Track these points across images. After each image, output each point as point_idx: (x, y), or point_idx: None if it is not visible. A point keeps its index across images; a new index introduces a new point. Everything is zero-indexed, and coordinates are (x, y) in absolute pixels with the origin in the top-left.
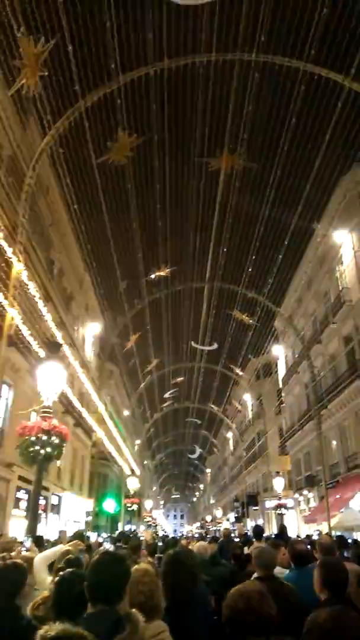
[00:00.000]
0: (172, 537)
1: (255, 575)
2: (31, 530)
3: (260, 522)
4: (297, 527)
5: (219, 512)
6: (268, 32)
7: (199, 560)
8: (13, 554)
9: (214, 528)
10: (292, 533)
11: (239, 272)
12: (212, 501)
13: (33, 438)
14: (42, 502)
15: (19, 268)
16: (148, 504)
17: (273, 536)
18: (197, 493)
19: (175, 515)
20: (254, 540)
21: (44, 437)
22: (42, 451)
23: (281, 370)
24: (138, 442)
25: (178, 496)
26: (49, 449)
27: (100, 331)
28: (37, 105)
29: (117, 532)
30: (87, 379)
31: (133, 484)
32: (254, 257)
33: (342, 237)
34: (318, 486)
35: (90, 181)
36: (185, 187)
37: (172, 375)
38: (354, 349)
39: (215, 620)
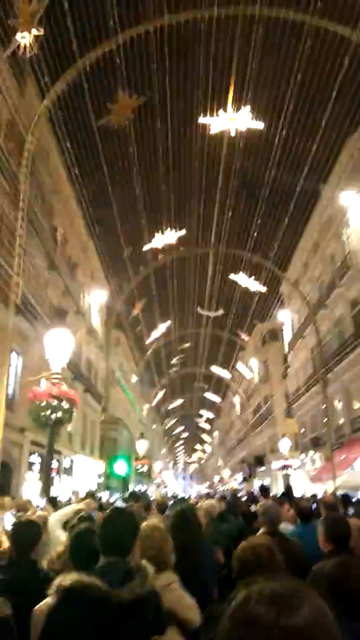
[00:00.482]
0: (181, 497)
1: (261, 530)
2: (45, 491)
3: (267, 482)
4: (303, 487)
5: (226, 473)
6: None
7: (208, 517)
8: (28, 513)
9: (222, 488)
10: (298, 493)
11: (244, 237)
12: (220, 463)
13: (44, 403)
14: (54, 465)
15: (22, 235)
16: (158, 465)
17: (279, 495)
18: (205, 455)
19: (184, 477)
20: (260, 498)
21: (54, 402)
22: (53, 415)
23: (287, 335)
24: (147, 406)
25: (187, 458)
26: (59, 414)
27: (106, 298)
28: (34, 67)
29: (127, 493)
30: (94, 345)
31: (142, 447)
32: (259, 222)
33: (349, 199)
34: (324, 447)
35: (91, 145)
36: (188, 149)
37: (178, 342)
38: None
39: (224, 573)
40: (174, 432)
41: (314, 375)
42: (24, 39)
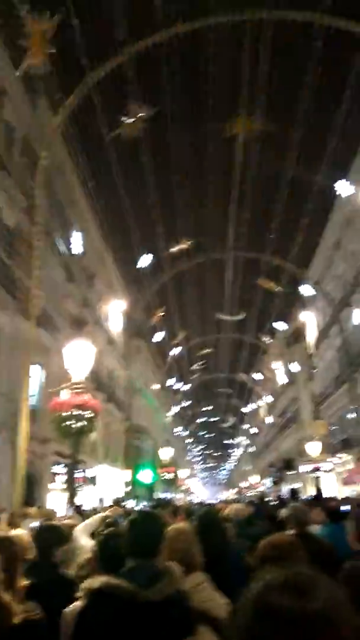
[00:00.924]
0: (208, 503)
1: (289, 532)
2: (71, 501)
3: (297, 486)
4: (336, 490)
5: (255, 478)
6: None
7: (235, 520)
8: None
9: (250, 493)
10: (330, 496)
11: (262, 239)
12: (248, 467)
13: (66, 413)
14: (79, 474)
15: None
16: (184, 472)
17: (310, 498)
18: (232, 460)
19: (212, 483)
20: (291, 501)
21: (77, 412)
22: (75, 425)
23: (311, 336)
24: (170, 414)
25: (214, 464)
26: (82, 423)
27: (125, 307)
28: (46, 84)
29: (154, 501)
30: (114, 355)
31: (166, 454)
32: (278, 222)
33: None
34: (355, 448)
35: (104, 157)
36: (202, 156)
37: (200, 348)
38: None
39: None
40: (201, 441)
41: (341, 375)
42: (36, 58)
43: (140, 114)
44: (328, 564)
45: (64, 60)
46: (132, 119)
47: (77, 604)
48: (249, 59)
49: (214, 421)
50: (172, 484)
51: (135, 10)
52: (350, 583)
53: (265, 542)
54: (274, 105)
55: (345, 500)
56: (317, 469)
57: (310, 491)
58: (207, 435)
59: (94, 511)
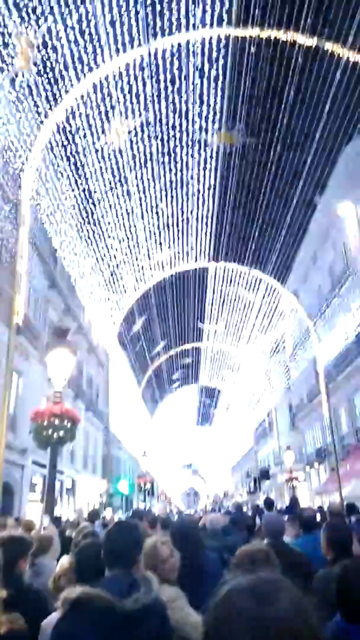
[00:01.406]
0: (186, 513)
1: (265, 542)
2: (49, 511)
3: (272, 495)
4: (309, 500)
5: (231, 487)
6: (262, 6)
7: (211, 530)
8: (32, 532)
9: (227, 503)
10: (305, 505)
11: (242, 250)
12: (224, 476)
13: (45, 422)
14: (57, 484)
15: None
16: (161, 482)
17: (285, 508)
18: (209, 468)
19: (188, 494)
20: (265, 511)
21: (56, 421)
22: (55, 435)
23: (289, 347)
24: (149, 422)
25: (193, 471)
26: (61, 432)
27: (107, 316)
28: (32, 94)
29: (131, 510)
30: (94, 363)
31: (145, 464)
32: (256, 234)
33: (345, 210)
34: (328, 458)
35: (89, 166)
36: (183, 167)
37: (179, 357)
38: None
39: None
40: (178, 447)
41: (316, 386)
42: (21, 68)
43: (125, 125)
44: (301, 573)
45: (51, 71)
46: (117, 130)
47: (54, 615)
48: (231, 73)
49: (194, 428)
50: (150, 493)
51: (120, 22)
52: (321, 590)
53: (240, 551)
54: (254, 121)
55: (320, 510)
56: (292, 479)
57: (286, 501)
58: (186, 443)
59: (73, 522)
